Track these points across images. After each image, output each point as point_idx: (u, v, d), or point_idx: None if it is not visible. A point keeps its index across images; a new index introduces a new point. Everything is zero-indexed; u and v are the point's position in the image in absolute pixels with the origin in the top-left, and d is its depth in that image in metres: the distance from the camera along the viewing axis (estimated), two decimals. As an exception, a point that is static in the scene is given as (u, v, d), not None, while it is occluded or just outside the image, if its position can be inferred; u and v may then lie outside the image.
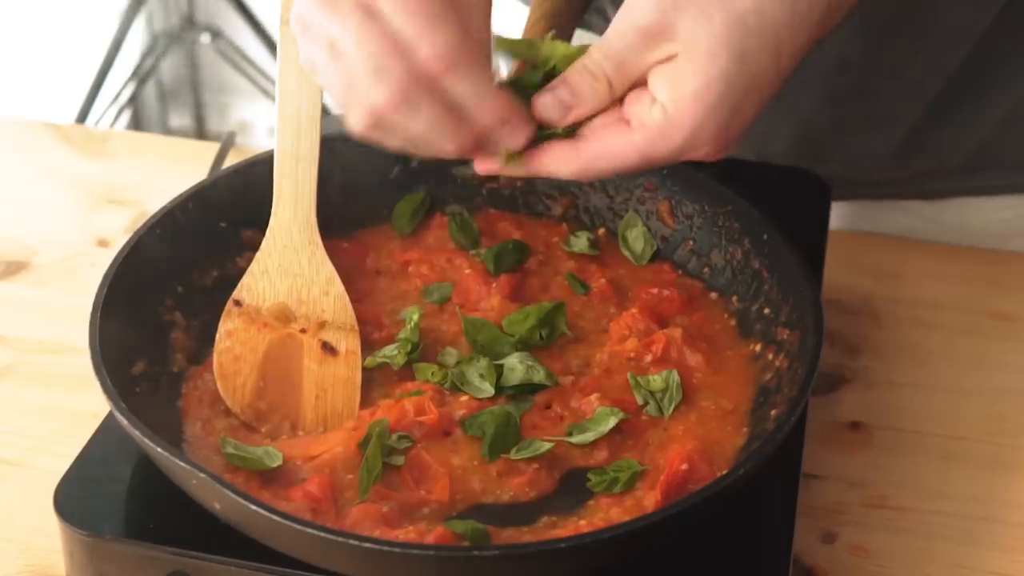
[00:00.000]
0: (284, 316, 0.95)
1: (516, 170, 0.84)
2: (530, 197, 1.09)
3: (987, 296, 1.18)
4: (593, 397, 0.91)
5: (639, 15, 0.80)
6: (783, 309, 0.95)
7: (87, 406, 1.02)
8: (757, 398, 0.92)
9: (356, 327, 0.95)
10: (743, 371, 0.95)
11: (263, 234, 0.97)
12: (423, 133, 0.81)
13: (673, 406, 0.92)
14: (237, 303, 0.95)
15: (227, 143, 1.24)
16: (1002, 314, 1.16)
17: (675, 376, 0.92)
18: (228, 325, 0.94)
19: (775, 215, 0.99)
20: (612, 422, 0.89)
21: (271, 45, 2.96)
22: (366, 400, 0.92)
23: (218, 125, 3.33)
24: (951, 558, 0.95)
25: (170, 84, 3.30)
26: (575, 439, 0.89)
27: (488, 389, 0.92)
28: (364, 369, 0.94)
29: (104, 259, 0.94)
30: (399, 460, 0.86)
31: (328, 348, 0.94)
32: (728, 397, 0.93)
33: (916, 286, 1.18)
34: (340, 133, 1.04)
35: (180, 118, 3.35)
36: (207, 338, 0.94)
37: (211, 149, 1.25)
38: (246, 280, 0.96)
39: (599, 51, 0.81)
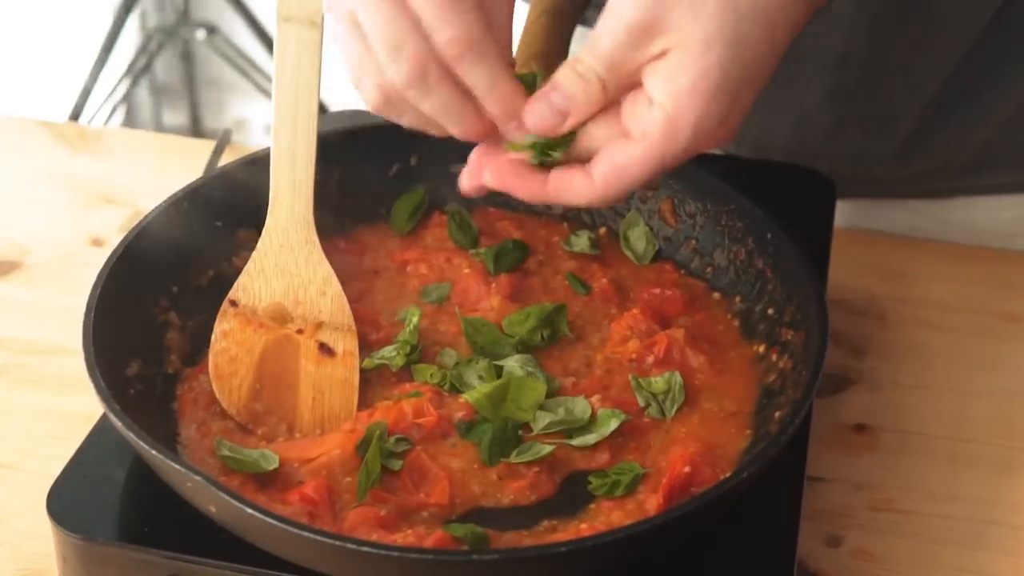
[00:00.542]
0: (281, 316, 0.94)
1: (533, 198, 0.85)
2: (530, 196, 1.08)
3: (995, 297, 1.17)
4: (594, 399, 0.91)
5: (628, 12, 0.79)
6: (787, 309, 0.94)
7: (81, 408, 1.01)
8: (761, 400, 0.92)
9: (354, 328, 0.94)
10: (746, 372, 0.94)
11: (259, 233, 0.96)
12: (433, 114, 0.83)
13: (675, 408, 0.91)
14: (233, 303, 0.94)
15: (223, 141, 1.23)
16: (1011, 315, 1.15)
17: (677, 377, 0.92)
18: (224, 326, 0.93)
19: (779, 214, 0.99)
20: (614, 424, 0.89)
21: (267, 42, 2.95)
22: (364, 402, 0.92)
23: (213, 123, 3.32)
24: (958, 562, 0.94)
25: (165, 81, 3.29)
26: (576, 441, 0.88)
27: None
28: (362, 370, 0.93)
29: (98, 259, 0.94)
30: (397, 463, 0.86)
31: (325, 349, 0.93)
32: (731, 399, 0.92)
33: (923, 286, 1.18)
34: (337, 130, 1.04)
35: (175, 116, 3.34)
36: (203, 339, 0.94)
37: (206, 147, 1.24)
38: (242, 280, 0.95)
39: (589, 53, 0.80)
